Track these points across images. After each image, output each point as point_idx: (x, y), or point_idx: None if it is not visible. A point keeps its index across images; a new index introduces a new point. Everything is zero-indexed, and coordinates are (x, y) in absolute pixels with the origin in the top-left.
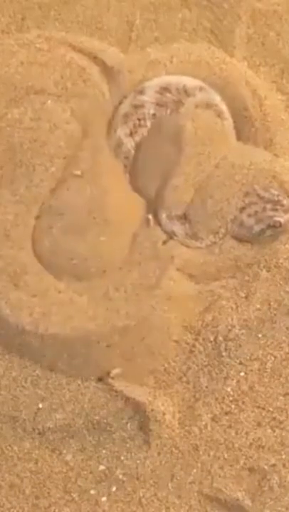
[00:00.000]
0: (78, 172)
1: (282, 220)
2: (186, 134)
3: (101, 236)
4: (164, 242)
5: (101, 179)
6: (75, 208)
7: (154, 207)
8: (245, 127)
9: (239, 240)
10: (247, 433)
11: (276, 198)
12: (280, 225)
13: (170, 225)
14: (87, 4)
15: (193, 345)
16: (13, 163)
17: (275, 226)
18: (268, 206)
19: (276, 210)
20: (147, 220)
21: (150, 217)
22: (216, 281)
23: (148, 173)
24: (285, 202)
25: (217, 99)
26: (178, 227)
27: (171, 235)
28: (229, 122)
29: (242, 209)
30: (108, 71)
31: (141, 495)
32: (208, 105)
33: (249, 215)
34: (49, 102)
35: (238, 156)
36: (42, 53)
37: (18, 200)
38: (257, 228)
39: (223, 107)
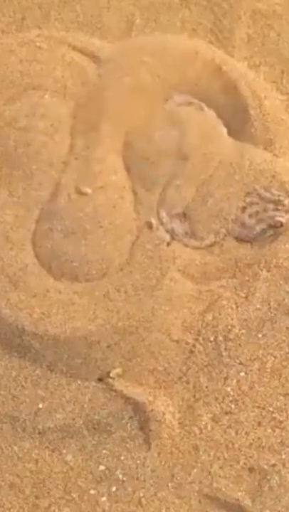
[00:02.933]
0: (88, 190)
1: (283, 220)
2: (188, 136)
3: (102, 240)
4: (168, 244)
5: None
6: (76, 215)
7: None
8: (245, 127)
9: (240, 240)
10: (247, 433)
11: (277, 198)
12: (282, 225)
13: (170, 223)
14: (87, 4)
15: (193, 345)
16: (10, 165)
17: (277, 226)
18: (270, 206)
19: (277, 210)
20: (150, 224)
21: (153, 220)
22: (216, 281)
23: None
24: (286, 202)
25: (190, 97)
26: (177, 225)
27: (171, 234)
28: (212, 113)
29: (243, 209)
30: (106, 69)
31: (141, 495)
32: (189, 102)
33: (250, 216)
34: (46, 96)
35: (238, 156)
36: (42, 51)
37: (16, 202)
38: (258, 228)
39: (202, 103)
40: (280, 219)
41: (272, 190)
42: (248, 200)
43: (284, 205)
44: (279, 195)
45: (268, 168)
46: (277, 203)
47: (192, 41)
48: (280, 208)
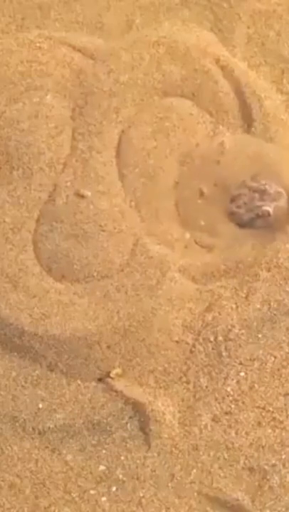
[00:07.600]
0: (88, 192)
1: (270, 209)
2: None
3: (104, 243)
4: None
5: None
6: (75, 217)
7: None
8: (245, 127)
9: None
10: (247, 433)
11: (263, 188)
12: (269, 214)
13: None
14: (87, 4)
15: (193, 345)
16: (10, 165)
17: (264, 215)
18: (256, 196)
19: (263, 200)
20: None
21: None
22: (216, 281)
23: None
24: (271, 191)
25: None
26: None
27: None
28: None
29: (231, 200)
30: (106, 69)
31: (141, 495)
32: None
33: (238, 206)
34: (48, 96)
35: (241, 148)
36: (42, 52)
37: (15, 202)
38: (246, 217)
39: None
40: (267, 208)
41: (258, 180)
42: (236, 192)
43: (269, 194)
44: (265, 184)
45: (259, 157)
46: (262, 192)
47: (202, 34)
48: (265, 197)
